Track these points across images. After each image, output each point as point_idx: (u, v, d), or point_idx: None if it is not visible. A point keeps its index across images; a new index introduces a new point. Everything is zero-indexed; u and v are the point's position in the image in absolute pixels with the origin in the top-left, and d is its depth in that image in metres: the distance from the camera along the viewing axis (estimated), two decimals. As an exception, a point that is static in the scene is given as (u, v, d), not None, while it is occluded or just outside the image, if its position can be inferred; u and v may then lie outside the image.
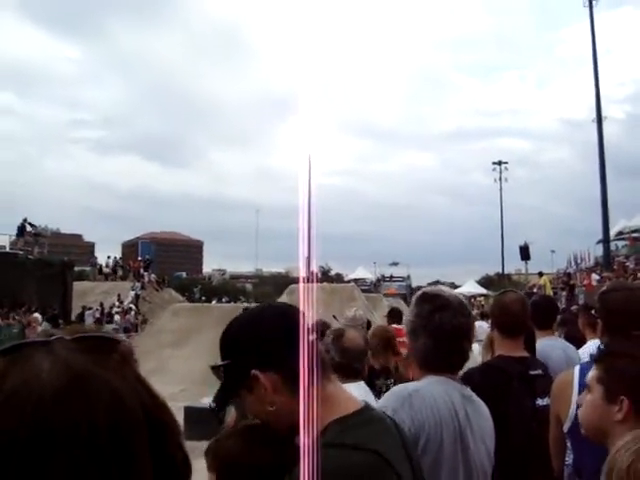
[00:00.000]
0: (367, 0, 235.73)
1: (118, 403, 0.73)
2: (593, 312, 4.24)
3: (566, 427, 2.51)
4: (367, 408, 1.56)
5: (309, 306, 1.43)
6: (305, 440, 1.18)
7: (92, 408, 0.70)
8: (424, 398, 2.15)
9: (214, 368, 1.59)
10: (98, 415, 0.70)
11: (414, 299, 2.45)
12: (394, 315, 8.58)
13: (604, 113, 29.14)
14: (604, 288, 2.87)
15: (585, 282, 28.14)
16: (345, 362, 3.12)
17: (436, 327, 2.26)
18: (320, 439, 1.30)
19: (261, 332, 1.51)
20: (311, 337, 1.38)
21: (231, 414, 3.84)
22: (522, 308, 3.23)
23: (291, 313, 1.53)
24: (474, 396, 2.33)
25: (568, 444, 2.56)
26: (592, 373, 2.00)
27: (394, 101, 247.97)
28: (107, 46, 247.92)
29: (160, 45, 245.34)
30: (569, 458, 2.60)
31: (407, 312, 2.51)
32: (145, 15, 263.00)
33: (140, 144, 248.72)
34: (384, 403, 2.20)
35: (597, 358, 2.03)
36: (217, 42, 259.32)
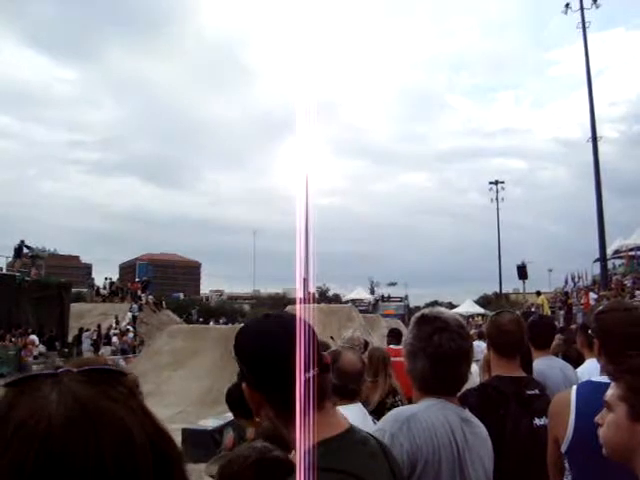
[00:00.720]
0: (362, 21, 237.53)
1: (125, 435, 0.74)
2: (590, 332, 4.24)
3: (564, 447, 2.49)
4: (350, 431, 1.55)
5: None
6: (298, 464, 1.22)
7: (100, 440, 0.71)
8: (422, 422, 2.15)
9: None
10: (105, 447, 0.71)
11: (413, 320, 2.44)
12: (394, 335, 8.59)
13: (598, 133, 29.27)
14: (600, 308, 2.86)
15: (583, 301, 28.13)
16: (341, 384, 3.11)
17: (435, 350, 2.26)
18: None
19: (258, 352, 1.52)
20: (309, 374, 1.42)
21: (228, 436, 3.83)
22: (518, 328, 3.22)
23: (301, 339, 1.49)
24: (472, 418, 2.32)
25: (566, 464, 2.55)
26: (613, 391, 1.96)
27: (389, 121, 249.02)
28: (104, 69, 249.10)
29: (157, 67, 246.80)
30: (567, 479, 2.58)
31: (406, 334, 2.50)
32: (142, 38, 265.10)
33: (138, 166, 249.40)
34: (382, 426, 2.20)
35: (617, 376, 2.00)
36: (213, 64, 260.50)
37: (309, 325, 1.49)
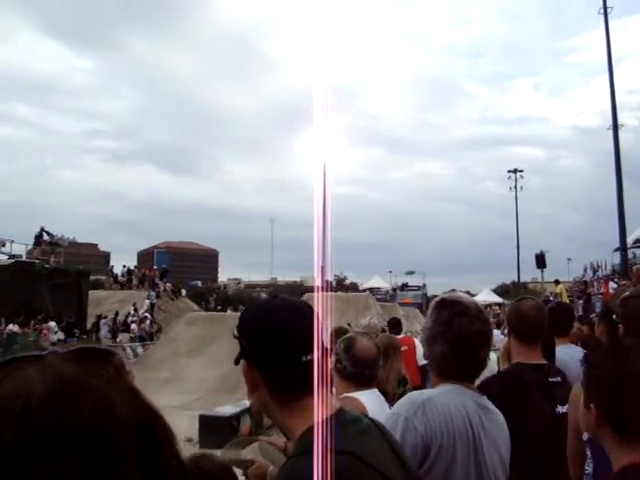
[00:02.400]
0: (379, 9, 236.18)
1: (106, 408, 0.75)
2: (614, 317, 4.19)
3: (586, 436, 2.46)
4: (339, 412, 1.53)
5: (325, 314, 1.43)
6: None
7: (79, 411, 0.72)
8: (437, 406, 2.13)
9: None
10: (85, 421, 0.72)
11: (432, 305, 2.42)
12: (394, 325, 8.56)
13: (619, 121, 28.91)
14: (627, 294, 2.83)
15: (602, 290, 27.91)
16: (357, 370, 3.09)
17: (454, 334, 2.23)
18: (295, 448, 1.44)
19: (259, 326, 1.53)
20: (310, 356, 1.44)
21: (245, 423, 3.83)
22: (539, 315, 3.18)
23: (303, 321, 1.50)
24: (490, 405, 2.29)
25: (588, 453, 2.52)
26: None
27: (406, 109, 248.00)
28: (121, 57, 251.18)
29: (173, 56, 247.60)
30: (589, 467, 2.55)
31: (425, 319, 2.48)
32: (159, 26, 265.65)
33: (154, 154, 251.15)
34: (397, 410, 2.18)
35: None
36: (231, 53, 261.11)
37: (312, 309, 1.52)
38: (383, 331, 6.84)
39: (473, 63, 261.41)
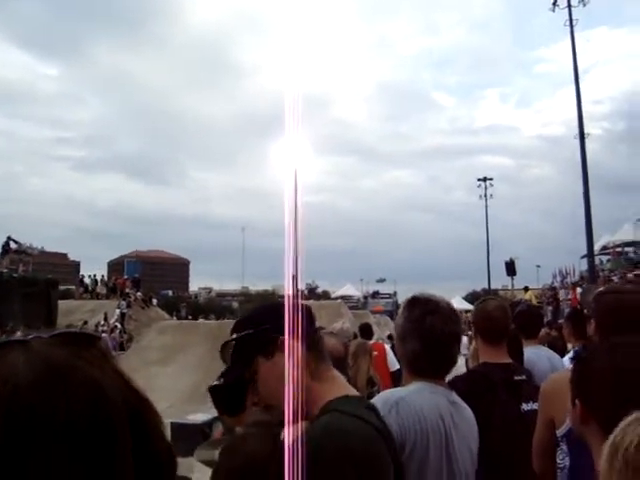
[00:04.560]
0: (347, 18, 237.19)
1: (98, 392, 0.73)
2: (586, 312, 4.28)
3: (563, 430, 2.49)
4: (351, 394, 1.68)
5: (295, 322, 1.49)
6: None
7: (70, 395, 0.70)
8: (411, 405, 2.15)
9: (230, 342, 1.73)
10: (77, 402, 0.70)
11: (403, 303, 2.45)
12: (365, 331, 8.58)
13: (584, 130, 29.33)
14: (601, 289, 2.91)
15: (570, 296, 28.25)
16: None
17: (426, 331, 2.26)
18: (325, 408, 1.55)
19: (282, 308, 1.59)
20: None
21: (218, 429, 3.82)
22: (504, 315, 3.24)
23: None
24: (459, 400, 2.34)
25: (564, 448, 2.55)
26: None
27: (375, 119, 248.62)
28: (87, 65, 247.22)
29: (142, 64, 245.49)
30: (562, 461, 2.58)
31: (397, 316, 2.51)
32: (126, 34, 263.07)
33: (123, 163, 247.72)
34: None
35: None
36: (201, 61, 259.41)
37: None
38: (355, 337, 6.87)
39: (441, 73, 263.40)
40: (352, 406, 1.56)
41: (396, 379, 6.80)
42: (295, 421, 1.46)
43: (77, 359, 0.75)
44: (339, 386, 1.66)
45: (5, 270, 28.67)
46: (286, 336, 1.55)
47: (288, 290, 1.55)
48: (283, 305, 1.57)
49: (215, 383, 2.40)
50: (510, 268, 40.44)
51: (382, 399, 2.22)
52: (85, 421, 0.70)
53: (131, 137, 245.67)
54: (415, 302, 2.37)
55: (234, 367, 1.76)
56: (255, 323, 1.68)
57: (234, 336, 1.71)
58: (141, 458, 0.75)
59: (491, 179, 50.38)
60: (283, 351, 1.58)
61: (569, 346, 4.83)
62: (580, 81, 30.40)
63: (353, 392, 1.71)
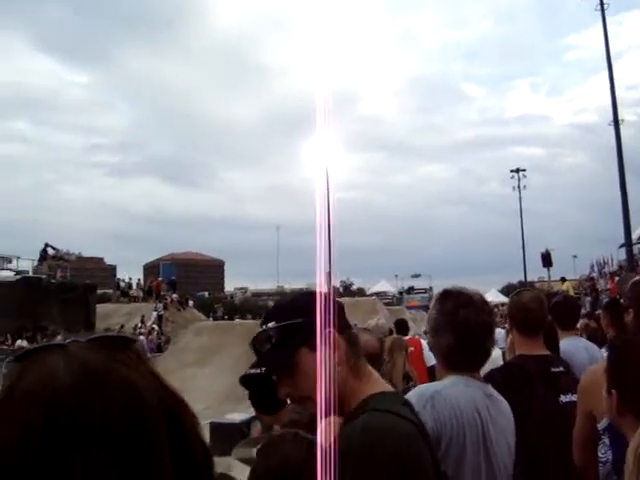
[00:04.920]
0: (377, 13, 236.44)
1: (134, 394, 0.74)
2: (622, 301, 4.20)
3: (604, 423, 2.45)
4: (390, 390, 1.71)
5: (328, 319, 1.49)
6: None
7: (107, 399, 0.71)
8: (446, 399, 2.14)
9: (269, 329, 1.65)
10: (113, 405, 0.71)
11: (436, 297, 2.43)
12: (401, 326, 8.54)
13: (618, 116, 28.83)
14: (637, 278, 2.85)
15: (609, 286, 27.82)
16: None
17: (460, 324, 2.25)
18: (362, 406, 1.54)
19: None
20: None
21: (256, 428, 3.83)
22: (539, 306, 3.20)
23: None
24: (495, 393, 2.31)
25: (606, 441, 2.50)
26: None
27: (405, 113, 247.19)
28: (115, 71, 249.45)
29: (170, 68, 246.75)
30: (605, 455, 2.53)
31: (429, 310, 2.49)
32: (152, 39, 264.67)
33: (156, 167, 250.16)
34: None
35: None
36: (227, 63, 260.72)
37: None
38: (390, 332, 6.85)
39: (470, 65, 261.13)
40: (389, 403, 1.55)
41: (433, 374, 6.76)
42: (328, 416, 1.44)
43: (113, 362, 0.76)
44: (375, 383, 1.66)
45: (44, 276, 29.19)
46: (332, 329, 1.53)
47: (321, 287, 1.54)
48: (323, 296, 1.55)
49: (252, 371, 2.38)
50: (546, 259, 39.91)
51: (417, 394, 2.21)
52: (121, 424, 0.71)
53: (162, 141, 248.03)
54: (447, 295, 2.35)
55: (276, 356, 1.65)
56: (301, 312, 1.59)
57: (281, 324, 1.61)
58: (178, 459, 0.76)
59: (524, 170, 49.80)
60: (328, 344, 1.55)
61: (608, 337, 4.73)
62: (613, 66, 29.89)
63: (388, 388, 1.70)
